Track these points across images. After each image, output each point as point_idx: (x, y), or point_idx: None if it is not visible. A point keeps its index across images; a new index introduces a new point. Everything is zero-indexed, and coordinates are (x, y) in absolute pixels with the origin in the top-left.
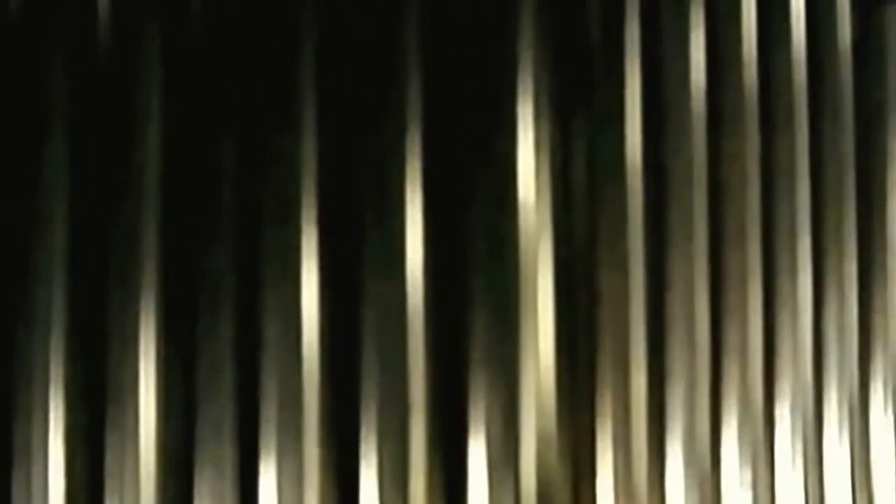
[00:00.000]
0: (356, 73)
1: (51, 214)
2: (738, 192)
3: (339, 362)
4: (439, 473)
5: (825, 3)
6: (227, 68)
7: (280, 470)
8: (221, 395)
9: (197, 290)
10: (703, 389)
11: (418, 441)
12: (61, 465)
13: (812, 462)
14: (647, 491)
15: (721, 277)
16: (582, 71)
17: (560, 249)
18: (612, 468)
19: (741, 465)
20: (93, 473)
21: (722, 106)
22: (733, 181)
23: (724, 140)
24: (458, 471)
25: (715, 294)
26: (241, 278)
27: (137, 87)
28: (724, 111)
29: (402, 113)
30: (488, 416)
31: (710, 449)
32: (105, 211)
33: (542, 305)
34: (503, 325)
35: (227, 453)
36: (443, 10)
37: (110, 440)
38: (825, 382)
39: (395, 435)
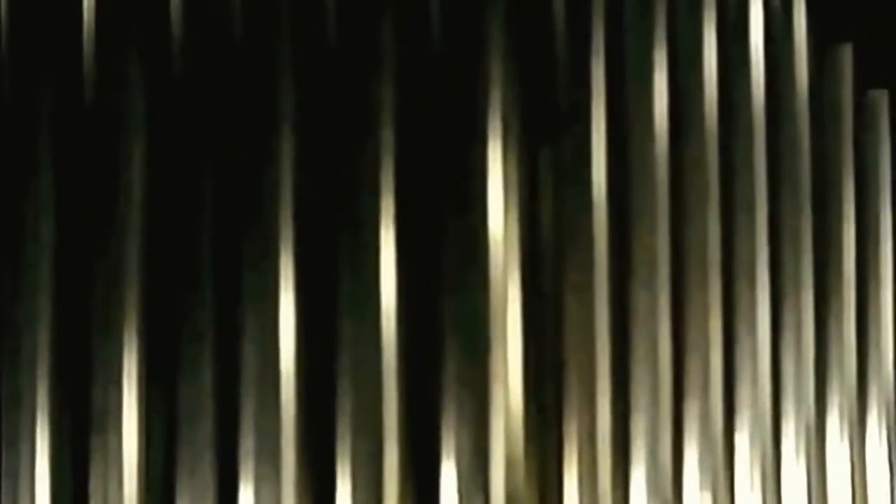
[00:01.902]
0: (332, 117)
1: (38, 240)
2: (700, 229)
3: (316, 393)
4: (412, 498)
5: (783, 44)
6: (206, 116)
7: (258, 496)
8: (202, 425)
9: (179, 321)
10: (665, 418)
11: (391, 467)
12: (46, 492)
13: (770, 489)
14: None
15: (683, 311)
16: (549, 109)
17: (528, 282)
18: (577, 492)
19: (702, 491)
20: (77, 501)
21: (684, 144)
22: (695, 219)
23: (687, 178)
24: (430, 496)
25: (677, 326)
26: (221, 310)
27: (120, 141)
28: (686, 150)
29: (375, 153)
30: (459, 443)
31: (673, 475)
32: (90, 245)
33: (511, 336)
34: (474, 355)
35: (208, 481)
36: (414, 53)
37: (94, 467)
38: (783, 412)
39: (370, 461)
